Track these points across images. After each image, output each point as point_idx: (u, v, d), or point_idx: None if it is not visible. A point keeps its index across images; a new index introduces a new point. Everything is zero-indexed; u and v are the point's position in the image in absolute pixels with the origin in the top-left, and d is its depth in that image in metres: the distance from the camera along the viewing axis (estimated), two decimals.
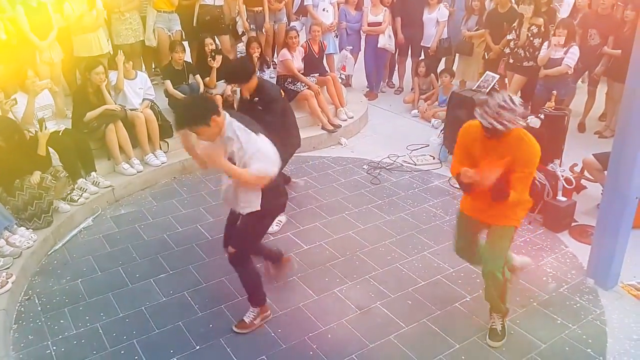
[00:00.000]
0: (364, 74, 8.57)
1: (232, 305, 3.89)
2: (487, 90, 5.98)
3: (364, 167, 6.18)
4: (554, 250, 4.58)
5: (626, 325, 3.74)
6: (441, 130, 6.60)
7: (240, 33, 7.46)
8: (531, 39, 6.57)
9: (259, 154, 3.14)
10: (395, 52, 8.45)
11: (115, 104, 5.60)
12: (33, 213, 4.51)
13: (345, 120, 7.17)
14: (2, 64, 5.15)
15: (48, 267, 4.38)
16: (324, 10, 7.80)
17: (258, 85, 4.51)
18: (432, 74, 7.95)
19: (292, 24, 7.91)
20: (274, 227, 4.70)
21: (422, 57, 8.25)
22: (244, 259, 3.57)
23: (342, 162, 6.35)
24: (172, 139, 6.06)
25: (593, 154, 5.07)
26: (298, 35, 7.04)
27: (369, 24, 8.05)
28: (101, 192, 5.23)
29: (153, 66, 7.49)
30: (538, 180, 4.88)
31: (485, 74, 6.44)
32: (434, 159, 6.30)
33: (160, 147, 5.91)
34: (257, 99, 4.49)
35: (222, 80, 6.36)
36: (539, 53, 6.46)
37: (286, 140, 4.57)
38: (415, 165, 6.21)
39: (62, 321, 3.77)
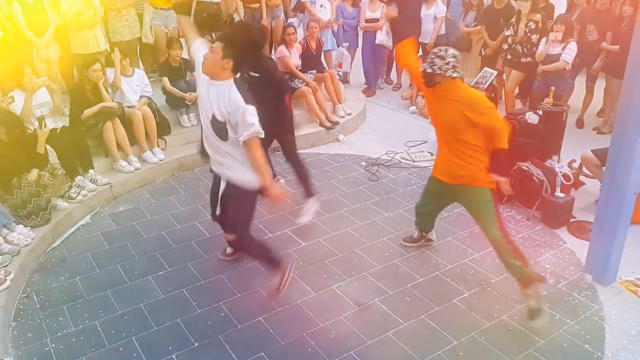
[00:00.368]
0: (361, 70, 8.56)
1: (230, 302, 3.89)
2: (485, 86, 5.97)
3: (362, 163, 6.18)
4: (552, 247, 4.59)
5: (624, 321, 3.75)
6: None
7: None
8: (529, 34, 6.57)
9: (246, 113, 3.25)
10: (393, 49, 8.44)
11: (113, 101, 5.59)
12: (31, 211, 4.51)
13: (343, 117, 7.16)
14: None
15: (46, 264, 4.38)
16: (321, 6, 7.79)
17: (264, 62, 4.62)
18: None
19: (289, 20, 7.90)
20: (307, 218, 4.85)
21: (420, 53, 8.24)
22: (245, 240, 3.66)
23: (340, 158, 6.35)
24: (170, 136, 6.07)
25: (591, 150, 5.08)
26: (296, 31, 7.03)
27: (367, 20, 8.04)
28: (99, 190, 5.23)
29: (150, 63, 7.47)
30: (536, 177, 4.88)
31: (483, 70, 6.45)
32: (432, 155, 6.28)
33: (158, 145, 5.90)
34: (257, 74, 4.51)
35: None
36: (536, 49, 6.46)
37: (278, 121, 4.62)
38: (414, 161, 6.21)
39: (60, 319, 3.77)
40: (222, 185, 3.64)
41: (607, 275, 4.07)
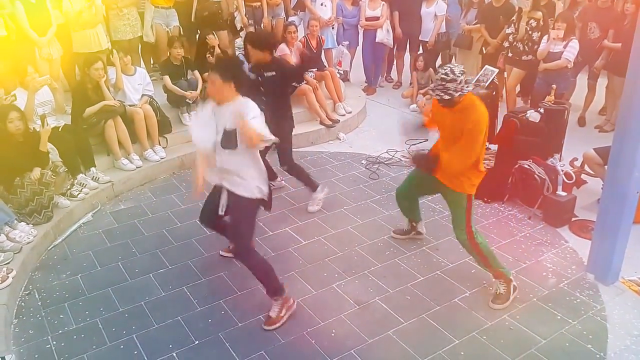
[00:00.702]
0: (362, 68, 8.55)
1: (231, 300, 3.90)
2: (487, 84, 5.95)
3: (363, 162, 6.17)
4: (553, 246, 4.58)
5: (627, 321, 3.73)
6: None
7: (238, 28, 7.44)
8: (530, 32, 6.54)
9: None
10: (394, 47, 8.43)
11: (115, 99, 5.59)
12: (33, 208, 4.52)
13: (344, 115, 7.15)
14: (2, 61, 5.15)
15: (48, 262, 4.39)
16: (322, 4, 7.78)
17: (274, 60, 4.71)
18: (430, 68, 7.92)
19: (290, 18, 7.88)
20: (316, 207, 5.05)
21: (421, 51, 8.23)
22: (245, 252, 3.61)
23: (340, 157, 6.34)
24: (171, 135, 6.07)
25: (593, 148, 5.06)
26: (296, 30, 7.02)
27: (367, 19, 8.03)
28: (101, 188, 5.24)
29: (152, 62, 7.48)
30: (537, 175, 4.87)
31: (484, 68, 6.42)
32: None
33: (159, 143, 5.91)
34: (273, 73, 4.62)
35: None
36: (538, 47, 6.43)
37: (281, 121, 4.69)
38: None
39: (62, 316, 3.78)
40: (224, 197, 3.62)
41: (609, 275, 4.06)
